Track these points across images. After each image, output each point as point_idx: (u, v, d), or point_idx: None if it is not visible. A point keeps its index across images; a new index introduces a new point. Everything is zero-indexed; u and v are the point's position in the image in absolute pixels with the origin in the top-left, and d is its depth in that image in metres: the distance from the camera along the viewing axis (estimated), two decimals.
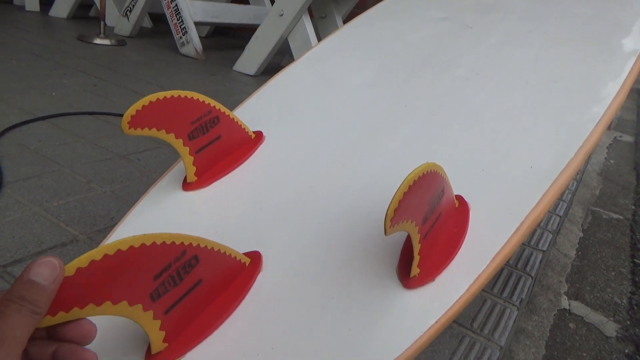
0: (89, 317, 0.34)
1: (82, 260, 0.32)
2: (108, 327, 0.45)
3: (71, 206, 0.88)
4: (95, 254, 0.33)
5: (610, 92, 0.72)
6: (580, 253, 1.28)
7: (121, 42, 2.53)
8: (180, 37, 2.51)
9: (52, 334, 0.32)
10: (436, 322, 0.44)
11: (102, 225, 0.84)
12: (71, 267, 0.31)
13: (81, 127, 1.29)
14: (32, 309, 0.27)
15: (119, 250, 0.35)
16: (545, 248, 1.08)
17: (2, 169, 0.97)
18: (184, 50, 2.53)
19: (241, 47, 2.44)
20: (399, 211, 0.40)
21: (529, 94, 0.74)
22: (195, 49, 2.48)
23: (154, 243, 0.38)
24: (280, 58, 2.66)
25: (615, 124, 2.65)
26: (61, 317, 0.31)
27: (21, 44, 2.18)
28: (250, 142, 0.71)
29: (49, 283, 0.28)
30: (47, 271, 0.29)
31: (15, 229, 0.78)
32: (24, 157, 1.05)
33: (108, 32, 2.57)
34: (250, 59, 2.38)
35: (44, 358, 0.30)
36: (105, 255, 0.34)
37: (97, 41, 2.45)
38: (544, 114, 0.70)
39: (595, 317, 1.01)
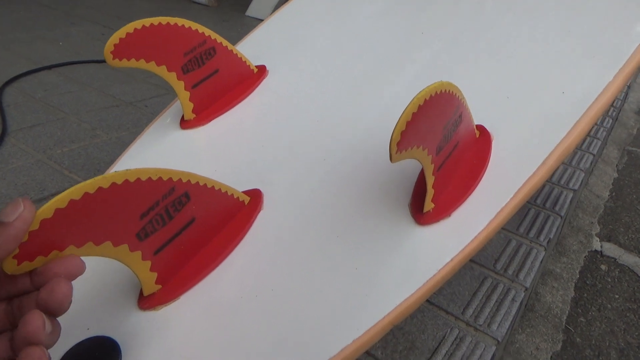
0: None
1: (61, 200, 0.29)
2: (100, 268, 0.43)
3: (75, 153, 0.86)
4: (75, 192, 0.30)
5: None
6: (614, 194, 1.20)
7: None
8: None
9: (35, 277, 0.29)
10: (451, 260, 0.40)
11: (105, 171, 0.82)
12: (49, 208, 0.29)
13: (88, 75, 1.26)
14: None
15: (100, 188, 0.31)
16: (576, 187, 1.01)
17: (6, 117, 0.95)
18: None
19: None
20: (406, 134, 0.35)
21: (563, 13, 0.66)
22: None
23: (138, 179, 0.35)
24: None
25: None
26: (39, 261, 0.29)
27: None
28: (252, 76, 0.66)
29: (9, 219, 0.26)
30: (9, 209, 0.27)
31: (17, 177, 0.77)
32: (29, 106, 1.03)
33: None
34: (263, 2, 2.28)
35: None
36: (86, 194, 0.30)
37: None
38: (579, 35, 0.62)
39: (629, 258, 0.95)
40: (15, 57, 1.32)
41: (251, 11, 2.33)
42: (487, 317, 0.64)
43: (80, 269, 0.30)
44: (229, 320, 0.39)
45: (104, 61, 1.36)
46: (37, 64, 1.27)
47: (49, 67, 1.25)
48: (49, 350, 0.27)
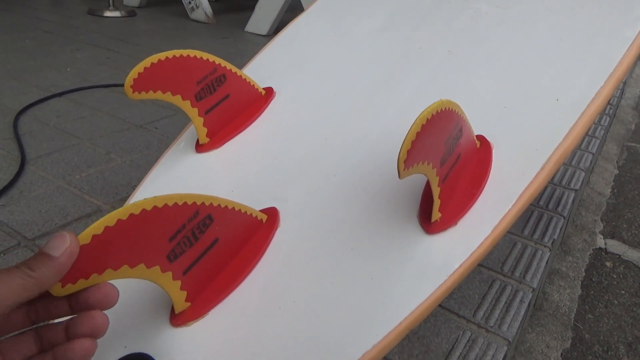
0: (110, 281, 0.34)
1: (97, 227, 0.32)
2: (134, 290, 0.45)
3: (93, 178, 0.89)
4: (109, 220, 0.33)
5: None
6: (615, 190, 1.23)
7: (131, 12, 2.51)
8: (190, 2, 2.46)
9: (73, 303, 0.32)
10: (460, 265, 0.43)
11: (124, 194, 0.85)
12: (86, 235, 0.31)
13: (97, 100, 1.30)
14: (27, 273, 0.27)
15: (131, 215, 0.34)
16: (577, 187, 1.04)
17: (24, 146, 0.99)
18: (194, 15, 2.48)
19: (252, 8, 2.38)
20: (412, 152, 0.38)
21: (553, 22, 0.69)
22: (205, 13, 2.43)
23: (165, 205, 0.37)
24: (292, 15, 2.58)
25: None
26: (81, 283, 0.32)
27: (33, 22, 2.18)
28: (260, 99, 0.69)
29: (57, 254, 0.29)
30: (56, 242, 0.29)
31: (40, 204, 0.80)
32: (45, 133, 1.07)
33: (117, 4, 2.54)
34: (262, 18, 2.32)
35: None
36: (119, 221, 0.33)
37: (107, 14, 2.43)
38: (570, 43, 0.65)
39: (633, 254, 0.98)
40: (25, 85, 1.36)
41: (250, 27, 2.37)
42: (498, 318, 0.67)
43: (115, 296, 0.33)
44: (255, 333, 0.41)
45: (111, 85, 1.40)
46: (47, 92, 1.31)
47: (60, 94, 1.29)
48: None
